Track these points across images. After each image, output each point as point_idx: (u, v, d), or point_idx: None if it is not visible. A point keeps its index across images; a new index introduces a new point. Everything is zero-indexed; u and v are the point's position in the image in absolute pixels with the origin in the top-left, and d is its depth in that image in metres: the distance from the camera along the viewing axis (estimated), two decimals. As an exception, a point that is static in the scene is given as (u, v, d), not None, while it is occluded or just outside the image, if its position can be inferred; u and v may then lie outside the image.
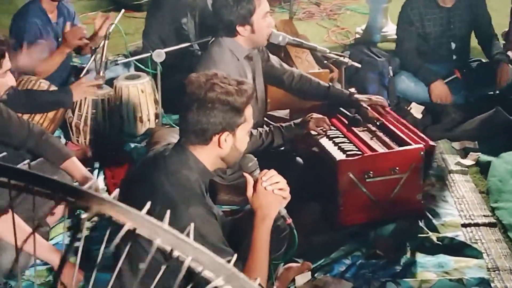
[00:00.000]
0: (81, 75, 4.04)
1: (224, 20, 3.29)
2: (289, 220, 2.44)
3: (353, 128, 3.46)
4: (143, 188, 2.27)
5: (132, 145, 4.10)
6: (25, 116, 3.56)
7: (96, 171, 3.76)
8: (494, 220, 3.31)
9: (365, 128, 3.47)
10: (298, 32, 5.35)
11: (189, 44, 4.11)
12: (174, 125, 4.02)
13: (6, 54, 2.82)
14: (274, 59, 3.70)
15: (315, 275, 2.94)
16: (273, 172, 2.35)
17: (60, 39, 4.39)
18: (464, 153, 3.98)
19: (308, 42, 4.24)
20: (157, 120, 4.21)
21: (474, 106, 4.33)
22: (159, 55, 3.84)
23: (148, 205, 1.03)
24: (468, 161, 3.86)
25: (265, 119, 3.70)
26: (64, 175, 3.22)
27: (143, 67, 4.14)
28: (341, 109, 3.63)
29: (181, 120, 2.32)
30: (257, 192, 2.32)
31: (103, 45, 4.00)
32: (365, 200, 3.19)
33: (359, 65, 3.91)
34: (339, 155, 3.20)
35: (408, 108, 4.39)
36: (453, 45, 4.63)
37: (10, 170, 0.96)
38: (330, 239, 3.17)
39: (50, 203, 3.23)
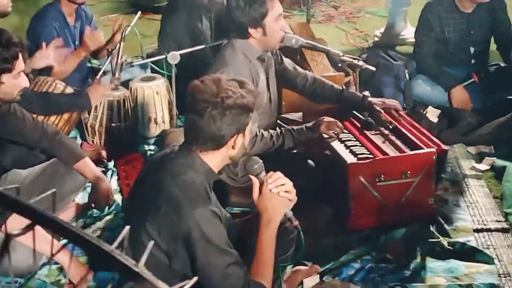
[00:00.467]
0: (97, 77, 4.09)
1: (236, 22, 3.30)
2: (296, 222, 2.44)
3: (365, 131, 3.45)
4: (149, 189, 2.29)
5: (146, 146, 4.14)
6: (41, 117, 3.61)
7: (110, 172, 3.78)
8: (507, 226, 3.27)
9: (378, 132, 3.45)
10: (315, 35, 5.35)
11: (203, 46, 4.12)
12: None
13: (20, 56, 2.86)
14: (287, 62, 3.70)
15: (324, 278, 2.94)
16: (279, 174, 2.35)
17: (77, 42, 4.45)
18: (480, 157, 3.94)
19: (324, 45, 4.23)
20: (171, 122, 4.24)
21: (491, 110, 4.28)
22: (173, 57, 3.86)
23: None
24: (483, 166, 3.82)
25: (279, 121, 3.69)
26: (77, 175, 3.26)
27: (158, 69, 4.17)
28: (354, 112, 3.62)
29: (190, 127, 2.30)
30: (263, 195, 2.32)
31: (119, 47, 4.03)
32: (376, 203, 3.18)
33: (374, 68, 3.89)
34: (350, 158, 3.19)
35: (424, 112, 4.36)
36: (472, 50, 4.59)
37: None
38: (340, 242, 3.17)
39: (62, 204, 3.29)
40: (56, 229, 0.95)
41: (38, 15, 4.37)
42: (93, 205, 3.36)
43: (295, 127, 3.34)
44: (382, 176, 3.14)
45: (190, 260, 2.21)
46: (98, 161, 3.80)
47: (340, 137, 3.39)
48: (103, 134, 4.07)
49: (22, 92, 2.99)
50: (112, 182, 3.67)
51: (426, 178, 3.20)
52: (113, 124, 4.07)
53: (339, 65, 4.47)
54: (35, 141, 3.25)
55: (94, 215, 3.35)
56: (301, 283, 2.90)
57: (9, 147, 3.30)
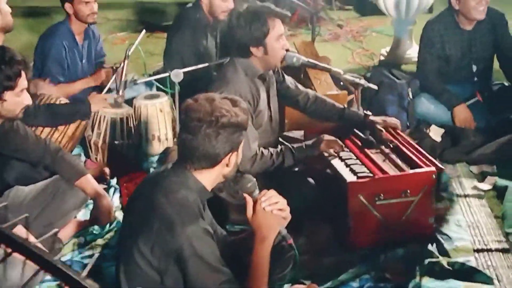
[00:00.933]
0: (102, 93, 4.14)
1: (238, 41, 3.33)
2: (290, 240, 2.45)
3: (366, 150, 3.45)
4: (143, 207, 2.30)
5: (149, 163, 4.16)
6: (44, 133, 3.65)
7: (112, 189, 3.80)
8: (508, 246, 3.25)
9: (379, 150, 3.46)
10: (321, 53, 5.37)
11: (206, 64, 4.15)
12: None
13: (23, 74, 2.90)
14: (289, 80, 3.73)
15: (322, 297, 2.93)
16: (272, 192, 2.36)
17: (84, 61, 4.51)
18: (482, 177, 3.93)
19: (328, 63, 4.26)
20: (175, 139, 4.26)
21: (495, 130, 4.27)
22: (177, 75, 3.89)
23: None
24: (485, 185, 3.81)
25: (280, 139, 3.70)
26: (79, 192, 3.29)
27: (161, 86, 4.20)
28: (355, 130, 3.63)
29: (184, 146, 2.31)
30: (257, 213, 2.33)
31: (123, 65, 4.08)
32: (375, 222, 3.18)
33: (376, 87, 3.90)
34: (350, 177, 3.20)
35: (427, 131, 4.36)
36: (474, 67, 4.60)
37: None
38: (339, 261, 3.15)
39: (63, 220, 3.31)
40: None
41: (47, 33, 4.44)
42: (94, 222, 3.38)
43: (295, 145, 3.36)
44: (382, 194, 3.14)
45: (182, 278, 2.22)
46: (100, 179, 3.83)
47: (340, 155, 3.39)
48: (106, 151, 4.09)
49: (25, 108, 3.03)
50: (114, 200, 3.69)
51: (426, 197, 3.20)
52: (116, 142, 4.10)
53: (341, 83, 4.49)
54: (38, 158, 3.28)
55: (95, 232, 3.36)
56: (299, 301, 2.89)
57: (12, 163, 3.34)
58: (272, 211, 2.32)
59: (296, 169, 3.57)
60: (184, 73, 3.93)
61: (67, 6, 4.33)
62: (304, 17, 7.21)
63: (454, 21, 4.50)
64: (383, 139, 3.51)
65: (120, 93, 4.02)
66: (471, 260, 3.14)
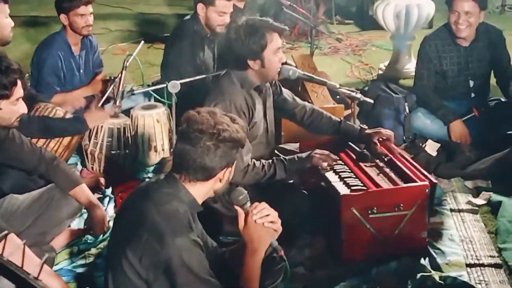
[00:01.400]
0: (99, 104, 4.15)
1: (236, 53, 3.35)
2: (281, 252, 2.44)
3: (360, 163, 3.46)
4: (133, 217, 2.32)
5: (146, 174, 4.18)
6: (40, 142, 3.66)
7: (107, 199, 3.81)
8: (500, 262, 3.25)
9: (373, 164, 3.46)
10: (320, 66, 5.40)
11: (203, 76, 4.17)
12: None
13: (19, 82, 2.91)
14: (286, 93, 3.74)
15: (314, 310, 2.93)
16: (263, 205, 2.37)
17: (81, 71, 4.53)
18: (477, 192, 3.93)
19: (325, 77, 4.27)
20: (171, 150, 4.28)
21: (490, 145, 4.26)
22: (174, 86, 3.91)
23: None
24: (479, 201, 3.81)
25: (276, 151, 3.71)
26: (73, 201, 3.30)
27: (158, 97, 4.22)
28: (350, 143, 3.64)
29: (180, 156, 2.33)
30: (248, 225, 2.34)
31: (121, 76, 4.10)
32: (368, 236, 3.18)
33: (371, 101, 3.92)
34: (343, 190, 3.20)
35: (423, 145, 4.37)
36: (471, 83, 4.61)
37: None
38: (331, 274, 3.16)
39: (57, 229, 3.32)
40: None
41: (43, 44, 4.47)
42: (88, 231, 3.38)
43: (287, 157, 3.37)
44: (375, 208, 3.15)
45: (170, 289, 2.23)
46: (96, 188, 3.84)
47: (335, 168, 3.40)
48: (102, 161, 4.11)
49: (20, 118, 3.04)
50: (108, 209, 3.70)
51: (420, 211, 3.21)
52: (113, 151, 4.11)
53: (337, 97, 4.50)
54: (33, 167, 3.29)
55: (88, 241, 3.37)
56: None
57: (7, 172, 3.34)
58: (263, 223, 2.33)
59: (291, 181, 3.59)
60: (181, 84, 3.94)
61: (62, 17, 4.35)
62: (305, 30, 7.26)
63: (451, 37, 4.52)
64: (378, 152, 3.52)
65: (118, 103, 4.04)
66: (464, 275, 3.14)
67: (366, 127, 3.68)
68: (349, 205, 3.13)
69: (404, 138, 4.54)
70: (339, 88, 3.76)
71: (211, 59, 4.71)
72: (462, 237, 3.48)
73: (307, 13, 6.55)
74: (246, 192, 2.42)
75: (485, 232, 3.53)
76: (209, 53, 4.68)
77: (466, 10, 4.32)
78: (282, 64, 3.47)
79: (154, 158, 4.30)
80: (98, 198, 3.57)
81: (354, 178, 3.32)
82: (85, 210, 3.43)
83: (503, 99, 4.70)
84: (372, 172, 3.38)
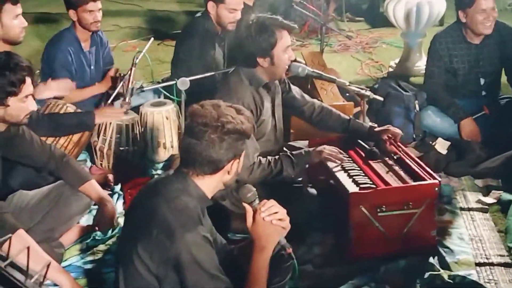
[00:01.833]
0: (109, 101, 4.17)
1: (246, 51, 3.35)
2: (290, 250, 2.44)
3: (369, 161, 3.45)
4: (143, 213, 2.31)
5: (155, 170, 4.18)
6: (50, 139, 3.67)
7: (116, 195, 3.82)
8: (510, 261, 3.23)
9: (382, 162, 3.45)
10: (330, 64, 5.39)
11: (213, 73, 4.17)
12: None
13: (28, 79, 2.92)
14: (295, 90, 3.74)
15: (321, 307, 2.93)
16: (272, 202, 2.36)
17: (92, 67, 4.54)
18: (487, 191, 3.90)
19: (335, 75, 4.26)
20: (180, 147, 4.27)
21: (501, 143, 4.23)
22: (183, 83, 3.92)
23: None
24: (489, 199, 3.78)
25: (285, 149, 3.71)
26: (82, 198, 3.31)
27: (168, 94, 4.22)
28: (360, 141, 3.63)
29: (187, 150, 2.33)
30: (256, 223, 2.33)
31: (130, 73, 4.11)
32: (377, 234, 3.17)
33: (381, 99, 3.91)
34: (352, 187, 3.20)
35: (433, 144, 4.34)
36: (482, 81, 4.59)
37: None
38: (339, 272, 3.15)
39: (66, 225, 3.33)
40: None
41: (53, 40, 4.48)
42: (96, 227, 3.39)
43: (294, 152, 3.37)
44: (384, 206, 3.13)
45: (180, 285, 2.23)
46: (105, 185, 3.85)
47: (343, 166, 3.40)
48: (111, 157, 4.12)
49: (30, 115, 3.05)
50: (117, 206, 3.71)
51: (429, 210, 3.19)
52: (121, 148, 4.12)
53: (347, 94, 4.49)
54: (42, 163, 3.30)
55: (97, 237, 3.38)
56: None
57: (17, 168, 3.36)
58: (271, 221, 2.32)
59: (299, 179, 3.58)
60: (191, 81, 3.95)
61: (71, 12, 4.36)
62: (315, 27, 7.23)
63: (462, 35, 4.50)
64: (387, 151, 3.51)
65: (127, 100, 4.04)
66: (473, 274, 3.12)
67: (376, 125, 3.66)
68: (358, 203, 3.12)
69: (414, 136, 4.52)
70: (349, 85, 3.75)
71: (221, 57, 4.71)
72: (471, 236, 3.46)
73: (317, 10, 6.53)
74: (255, 189, 2.41)
75: (495, 231, 3.51)
76: (219, 51, 4.68)
77: (492, 6, 4.32)
78: (292, 61, 3.46)
79: (163, 155, 4.30)
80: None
81: (363, 176, 3.32)
82: (94, 207, 3.44)
83: (514, 97, 4.67)
84: (381, 170, 3.37)
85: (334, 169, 3.37)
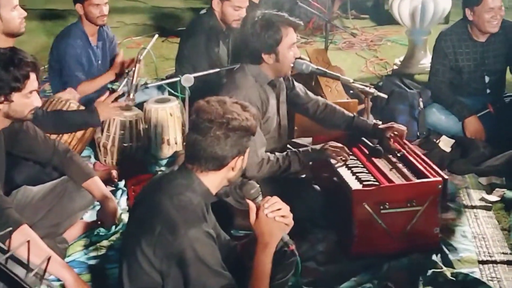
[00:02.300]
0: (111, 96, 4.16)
1: (251, 47, 3.35)
2: (292, 247, 2.44)
3: (373, 158, 3.45)
4: (147, 209, 2.32)
5: (158, 167, 4.19)
6: (53, 135, 3.68)
7: (119, 192, 3.83)
8: (513, 259, 3.24)
9: (386, 159, 3.45)
10: (335, 61, 5.38)
11: (217, 70, 4.17)
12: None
13: (32, 75, 2.92)
14: (299, 88, 3.73)
15: (324, 304, 2.93)
16: (275, 199, 2.36)
17: (99, 61, 4.55)
18: (490, 188, 3.90)
19: (340, 72, 4.26)
20: (184, 144, 4.28)
21: (506, 141, 4.23)
22: (187, 79, 3.91)
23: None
24: (493, 197, 3.78)
25: (288, 146, 3.71)
26: (86, 194, 3.31)
27: (172, 91, 4.22)
28: (363, 139, 3.63)
29: (192, 146, 2.33)
30: (259, 219, 2.34)
31: (135, 69, 4.10)
32: (380, 231, 3.17)
33: (385, 96, 3.90)
34: (355, 185, 3.20)
35: (438, 141, 4.34)
36: (487, 79, 4.59)
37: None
38: (342, 269, 3.16)
39: (70, 221, 3.34)
40: None
41: (62, 35, 4.50)
42: (100, 223, 3.40)
43: (301, 149, 3.37)
44: (387, 203, 3.13)
45: (183, 281, 2.23)
46: (108, 181, 3.86)
47: (347, 163, 3.40)
48: (115, 154, 4.13)
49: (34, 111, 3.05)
50: (121, 202, 3.72)
51: (432, 207, 3.19)
52: (125, 144, 4.13)
53: (351, 92, 4.49)
54: (46, 159, 3.31)
55: (100, 233, 3.39)
56: (301, 308, 2.90)
57: (22, 164, 3.37)
58: (274, 217, 2.32)
59: (303, 176, 3.58)
60: (195, 78, 3.95)
61: (78, 6, 4.37)
62: (319, 25, 7.23)
63: (467, 33, 4.49)
64: (391, 148, 3.51)
65: (131, 96, 4.03)
66: (476, 272, 3.12)
67: (380, 122, 3.66)
68: (361, 200, 3.12)
69: (418, 134, 4.52)
70: (353, 82, 3.74)
71: (225, 54, 4.71)
72: (475, 234, 3.46)
73: (322, 8, 6.53)
74: (258, 186, 2.42)
75: (498, 229, 3.51)
76: (223, 48, 4.68)
77: (499, 5, 4.31)
78: (296, 58, 3.46)
79: (167, 151, 4.31)
80: (111, 191, 3.57)
81: (366, 173, 3.32)
82: (97, 203, 3.45)
83: (519, 95, 4.66)
84: (385, 167, 3.37)
85: (338, 166, 3.37)
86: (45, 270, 2.07)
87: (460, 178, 4.02)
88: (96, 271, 3.17)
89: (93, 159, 4.26)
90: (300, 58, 3.65)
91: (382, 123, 3.66)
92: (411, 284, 3.01)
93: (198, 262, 2.20)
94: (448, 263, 3.16)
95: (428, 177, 3.20)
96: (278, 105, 3.58)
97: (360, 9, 8.06)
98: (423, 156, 3.42)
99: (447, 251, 3.25)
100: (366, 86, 3.80)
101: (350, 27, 7.42)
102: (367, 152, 3.53)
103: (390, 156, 3.47)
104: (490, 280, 3.07)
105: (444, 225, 3.42)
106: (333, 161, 3.39)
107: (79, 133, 3.87)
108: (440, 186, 3.17)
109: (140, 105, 4.36)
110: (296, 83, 3.73)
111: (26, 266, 1.73)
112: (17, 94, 2.87)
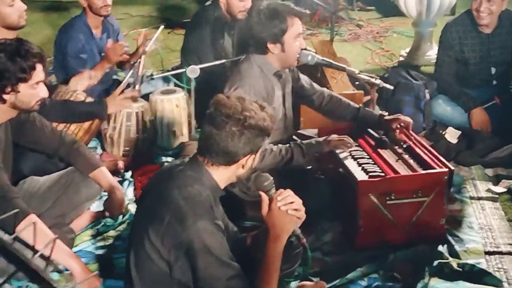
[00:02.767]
0: (119, 88, 4.16)
1: (256, 36, 3.35)
2: (303, 240, 2.43)
3: (379, 149, 3.45)
4: (156, 199, 2.33)
5: (165, 158, 4.20)
6: (61, 126, 3.69)
7: (126, 182, 3.84)
8: (519, 249, 3.24)
9: (392, 150, 3.45)
10: (340, 53, 5.38)
11: (223, 61, 4.17)
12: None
13: (38, 66, 2.92)
14: (304, 79, 3.73)
15: (330, 295, 2.93)
16: (288, 192, 2.36)
17: (103, 54, 4.55)
18: (497, 180, 3.90)
19: (345, 64, 4.25)
20: (190, 134, 4.29)
21: (511, 133, 4.23)
22: (193, 71, 3.93)
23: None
24: (499, 188, 3.78)
25: (294, 137, 3.71)
26: (93, 184, 3.32)
27: (178, 82, 4.23)
28: (369, 130, 3.63)
29: (205, 138, 2.34)
30: (272, 211, 2.33)
31: (140, 60, 4.11)
32: (386, 222, 3.17)
33: (391, 87, 3.90)
34: (361, 176, 3.20)
35: (443, 133, 4.33)
36: (493, 70, 4.57)
37: None
38: (347, 259, 3.16)
39: (76, 211, 3.35)
40: None
41: (64, 27, 4.50)
42: (107, 213, 3.41)
43: (304, 141, 3.36)
44: (393, 194, 3.13)
45: (191, 271, 2.24)
46: (115, 172, 3.87)
47: (353, 154, 3.40)
48: (121, 145, 4.13)
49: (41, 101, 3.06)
50: (128, 192, 3.74)
51: (438, 198, 3.19)
52: (131, 136, 4.13)
53: (356, 83, 4.48)
54: (53, 150, 3.32)
55: (107, 223, 3.40)
56: (306, 299, 2.90)
57: (28, 154, 3.38)
58: (287, 210, 2.32)
59: (309, 167, 3.58)
60: (200, 69, 3.95)
61: None
62: (325, 16, 7.22)
63: (473, 24, 4.47)
64: (397, 139, 3.50)
65: (137, 87, 4.05)
66: (482, 262, 3.12)
67: (386, 114, 3.66)
68: (367, 191, 3.12)
69: (424, 125, 4.52)
70: (358, 74, 3.73)
71: (230, 46, 4.71)
72: (481, 225, 3.45)
73: (327, -1, 6.52)
74: (272, 178, 2.41)
75: (505, 220, 3.51)
76: (228, 40, 4.68)
77: None
78: (302, 49, 3.45)
79: (174, 142, 4.32)
80: (118, 182, 3.59)
81: (372, 164, 3.32)
82: (104, 193, 3.46)
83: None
84: (391, 158, 3.37)
85: (343, 157, 3.37)
86: (51, 253, 2.08)
87: (466, 170, 4.01)
88: (103, 260, 3.19)
89: (99, 150, 4.27)
90: (305, 49, 3.66)
91: (388, 115, 3.65)
92: (417, 274, 3.01)
93: (206, 252, 2.21)
94: (455, 254, 3.16)
95: (434, 168, 3.19)
96: (284, 96, 3.58)
97: (366, 1, 8.04)
98: (429, 147, 3.42)
99: (453, 242, 3.25)
100: (372, 77, 3.80)
101: (356, 19, 7.40)
102: (373, 143, 3.52)
103: (396, 147, 3.47)
104: (496, 270, 3.07)
105: (451, 216, 3.42)
106: (338, 152, 3.39)
107: (86, 124, 3.88)
108: (446, 177, 3.17)
109: (146, 97, 4.36)
110: (301, 75, 3.73)
111: (32, 249, 1.74)
112: (24, 85, 2.87)
